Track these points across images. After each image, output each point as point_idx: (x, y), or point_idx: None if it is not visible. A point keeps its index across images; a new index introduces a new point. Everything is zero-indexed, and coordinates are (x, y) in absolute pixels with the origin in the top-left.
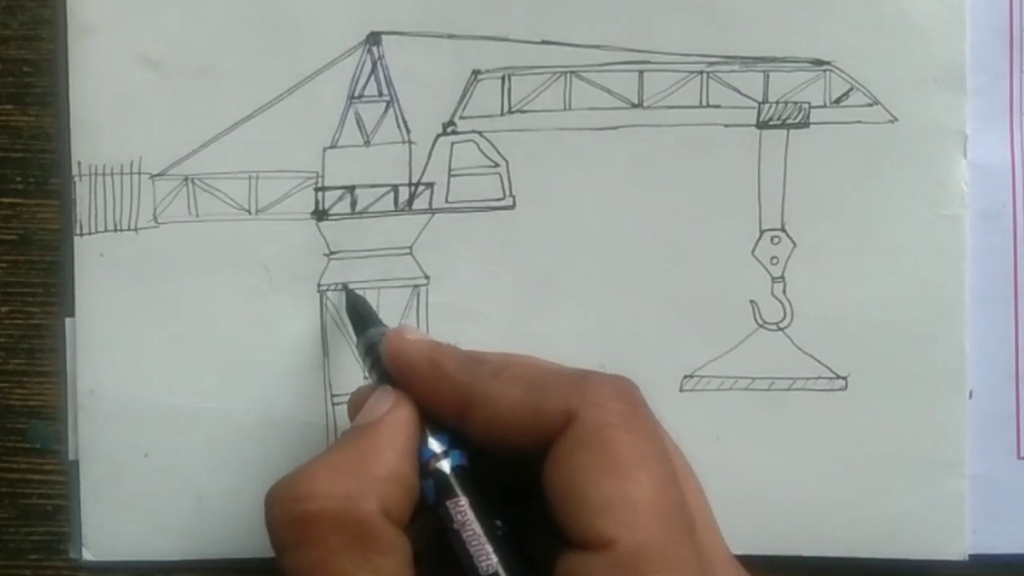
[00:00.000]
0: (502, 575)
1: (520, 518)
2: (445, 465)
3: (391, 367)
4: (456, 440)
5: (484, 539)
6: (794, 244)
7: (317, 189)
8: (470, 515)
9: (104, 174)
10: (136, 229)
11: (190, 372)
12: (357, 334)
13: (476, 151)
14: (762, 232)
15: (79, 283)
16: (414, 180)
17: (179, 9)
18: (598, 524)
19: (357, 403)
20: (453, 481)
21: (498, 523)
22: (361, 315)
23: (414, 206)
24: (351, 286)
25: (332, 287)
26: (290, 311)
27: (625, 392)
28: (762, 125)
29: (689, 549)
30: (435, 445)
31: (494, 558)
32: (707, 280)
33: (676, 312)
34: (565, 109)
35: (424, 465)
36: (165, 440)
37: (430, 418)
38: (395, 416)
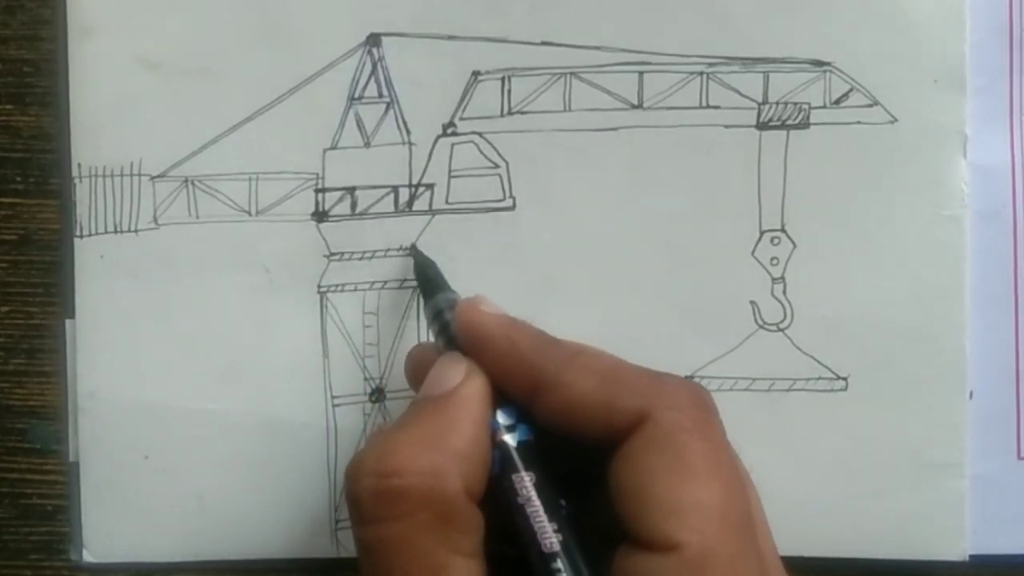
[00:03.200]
0: (563, 555)
1: (575, 504)
2: (511, 439)
3: (464, 339)
4: (523, 415)
5: (547, 517)
6: (794, 245)
7: (317, 190)
8: (534, 492)
9: (104, 176)
10: (136, 230)
11: (190, 373)
12: (425, 298)
13: (476, 152)
14: (762, 233)
15: (79, 284)
16: (414, 181)
17: (179, 11)
18: (667, 526)
19: (419, 362)
20: (519, 456)
21: (562, 503)
22: (429, 278)
23: (414, 207)
24: (352, 284)
25: (402, 250)
26: (290, 312)
27: (700, 398)
28: (762, 126)
29: (753, 557)
30: (503, 418)
31: (556, 537)
32: (707, 281)
33: (676, 313)
34: (565, 110)
35: (491, 436)
36: (165, 441)
37: (498, 390)
38: (471, 388)
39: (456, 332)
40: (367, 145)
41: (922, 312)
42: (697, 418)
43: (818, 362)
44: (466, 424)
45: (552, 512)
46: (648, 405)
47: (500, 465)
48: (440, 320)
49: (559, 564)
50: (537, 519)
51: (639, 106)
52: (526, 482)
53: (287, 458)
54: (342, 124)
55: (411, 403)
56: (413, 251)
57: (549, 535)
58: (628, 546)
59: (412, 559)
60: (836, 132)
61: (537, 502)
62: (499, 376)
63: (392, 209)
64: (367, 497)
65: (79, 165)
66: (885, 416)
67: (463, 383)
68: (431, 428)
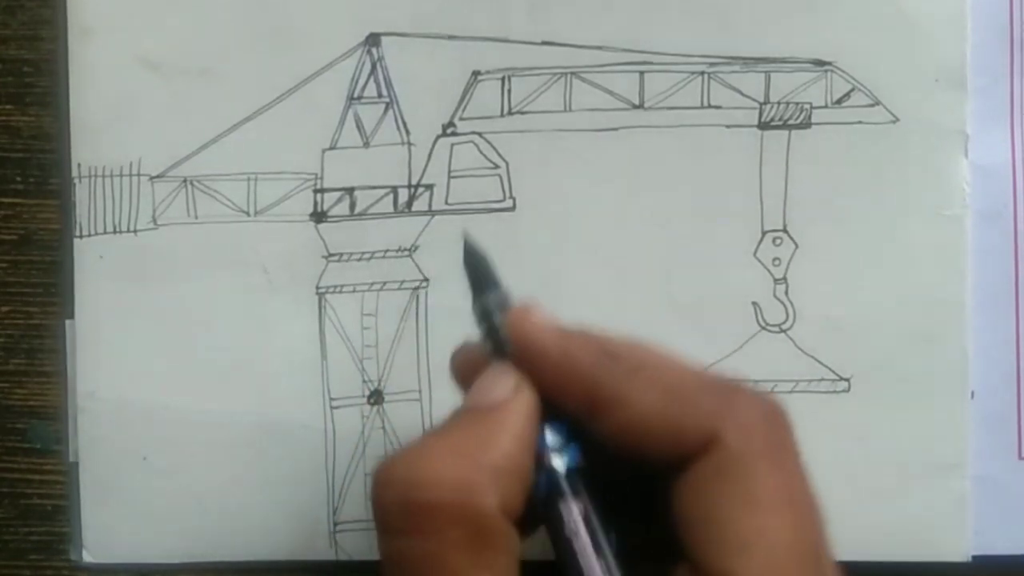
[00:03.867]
0: None
1: (623, 521)
2: (560, 464)
3: (516, 351)
4: (573, 432)
5: (594, 554)
6: (796, 245)
7: (316, 191)
8: (581, 525)
9: (104, 176)
10: (135, 231)
11: (189, 374)
12: (473, 294)
13: (476, 152)
14: (764, 233)
15: (79, 285)
16: (414, 182)
17: (179, 11)
18: (733, 563)
19: (466, 364)
20: (568, 483)
21: (612, 536)
22: (479, 274)
23: (413, 208)
24: (351, 285)
25: (402, 251)
26: (289, 313)
27: (774, 416)
28: (764, 126)
29: None
30: (551, 437)
31: None
32: (709, 282)
33: (678, 314)
34: (565, 110)
35: (537, 457)
36: (164, 442)
37: (550, 405)
38: (517, 404)
39: (507, 342)
40: (366, 145)
41: (924, 312)
42: (770, 441)
43: (820, 363)
44: (507, 439)
45: (599, 547)
46: (717, 427)
47: (547, 488)
48: (489, 321)
49: None
50: (584, 556)
51: (640, 106)
52: (575, 514)
53: (285, 460)
54: (341, 124)
55: (453, 412)
56: (464, 241)
57: (595, 573)
58: (687, 574)
59: None
60: (837, 132)
61: (585, 537)
62: (553, 392)
63: (391, 210)
64: (395, 508)
65: (79, 165)
66: (887, 417)
67: (511, 398)
68: (470, 439)
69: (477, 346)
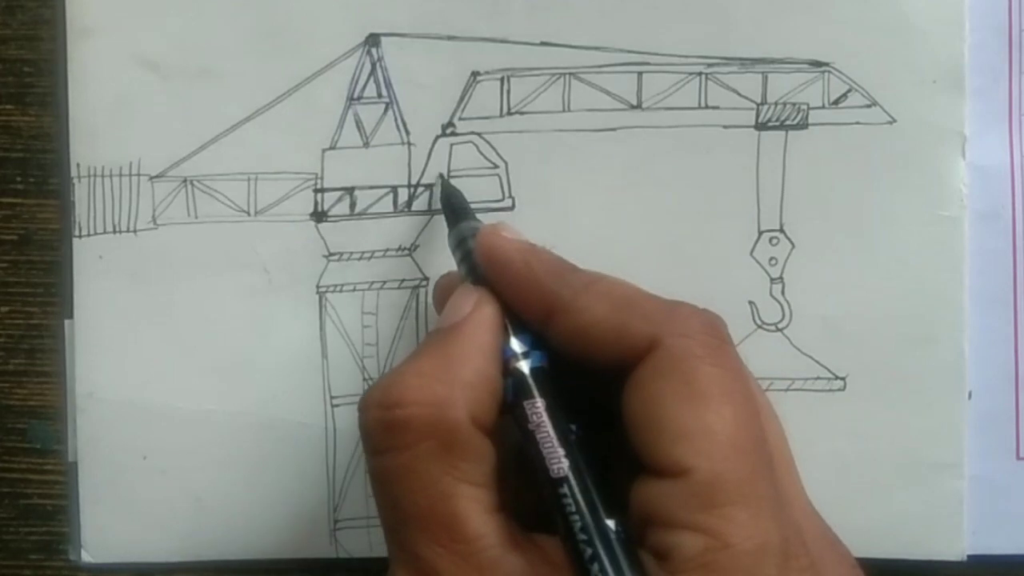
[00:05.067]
0: (572, 480)
1: (601, 438)
2: (524, 366)
3: (483, 262)
4: (538, 343)
5: (557, 442)
6: (792, 245)
7: (316, 190)
8: (545, 417)
9: (103, 176)
10: (135, 231)
11: (189, 374)
12: (449, 226)
13: (475, 152)
14: (760, 233)
15: (78, 285)
16: (413, 181)
17: (178, 11)
18: (675, 452)
19: (444, 290)
20: (531, 382)
21: (572, 427)
22: (454, 207)
23: (413, 207)
24: (351, 285)
25: (401, 250)
26: (289, 313)
27: (713, 326)
28: (761, 126)
29: (766, 485)
30: (516, 345)
31: (565, 462)
32: (705, 281)
33: None
34: (564, 110)
35: (504, 364)
36: (164, 442)
37: (514, 318)
38: (479, 316)
39: (476, 258)
40: (366, 145)
41: (921, 312)
42: (708, 344)
43: (816, 362)
44: (473, 353)
45: (562, 437)
46: (659, 331)
47: (513, 393)
48: (463, 248)
49: (565, 489)
50: (546, 444)
51: (638, 106)
52: (538, 406)
53: (286, 458)
54: (341, 124)
55: (425, 335)
56: (440, 179)
57: (558, 460)
58: (642, 474)
59: (418, 487)
60: (835, 132)
61: (548, 427)
62: (516, 301)
63: (391, 209)
64: (374, 428)
65: (78, 165)
66: (883, 416)
67: (472, 313)
68: (437, 359)
69: (455, 275)
